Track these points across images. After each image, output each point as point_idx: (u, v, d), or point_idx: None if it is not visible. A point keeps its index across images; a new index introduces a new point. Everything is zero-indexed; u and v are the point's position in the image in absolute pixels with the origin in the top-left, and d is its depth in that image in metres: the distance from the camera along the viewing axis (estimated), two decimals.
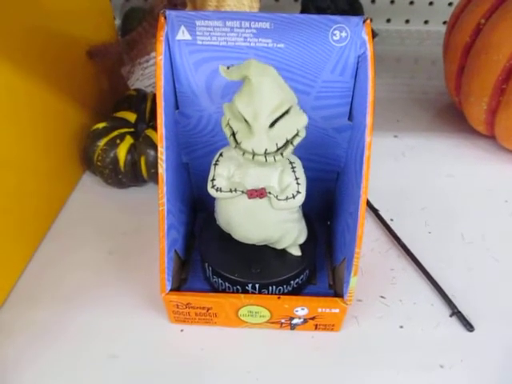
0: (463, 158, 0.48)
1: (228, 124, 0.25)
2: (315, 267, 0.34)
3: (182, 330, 0.32)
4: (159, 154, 0.28)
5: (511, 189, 0.44)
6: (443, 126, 0.52)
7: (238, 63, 0.24)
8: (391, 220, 0.40)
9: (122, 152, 0.40)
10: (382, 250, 0.38)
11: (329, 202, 0.37)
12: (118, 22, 0.63)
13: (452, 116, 0.54)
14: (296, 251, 0.31)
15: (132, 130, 0.42)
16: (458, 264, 0.37)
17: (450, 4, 0.71)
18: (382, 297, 0.34)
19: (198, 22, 0.27)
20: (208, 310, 0.30)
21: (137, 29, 0.46)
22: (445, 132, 0.51)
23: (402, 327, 0.32)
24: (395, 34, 0.74)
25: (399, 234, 0.38)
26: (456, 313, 0.33)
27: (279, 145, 0.24)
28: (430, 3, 0.72)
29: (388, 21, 0.75)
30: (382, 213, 0.40)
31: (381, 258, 0.37)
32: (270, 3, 0.73)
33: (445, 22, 0.72)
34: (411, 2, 0.72)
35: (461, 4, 0.47)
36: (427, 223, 0.40)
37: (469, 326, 0.32)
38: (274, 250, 0.31)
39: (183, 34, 0.27)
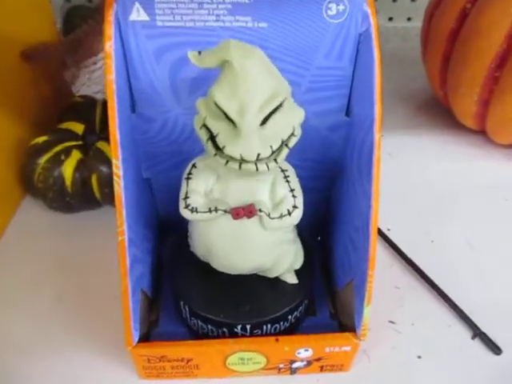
0: (453, 155, 0.44)
1: (204, 125, 0.19)
2: (313, 295, 0.28)
3: None
4: (114, 169, 0.22)
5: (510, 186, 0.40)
6: (428, 123, 0.49)
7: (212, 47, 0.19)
8: (388, 230, 0.35)
9: (68, 170, 0.33)
10: (385, 265, 0.33)
11: (320, 215, 0.32)
12: (59, 24, 0.55)
13: (436, 112, 0.50)
14: (291, 279, 0.26)
15: (80, 142, 0.36)
16: (470, 276, 0.32)
17: None
18: (391, 322, 0.29)
19: None
20: (188, 361, 0.24)
21: (81, 27, 0.40)
22: (431, 129, 0.47)
23: (419, 357, 0.27)
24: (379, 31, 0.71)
25: (400, 246, 0.34)
26: (479, 334, 0.28)
27: (274, 148, 0.19)
28: (413, 0, 0.69)
29: None
30: None
31: (383, 275, 0.32)
32: None
33: None
34: (394, 0, 0.69)
35: None
36: (428, 231, 0.36)
37: (496, 349, 0.28)
38: (265, 278, 0.26)
39: (138, 14, 0.21)
